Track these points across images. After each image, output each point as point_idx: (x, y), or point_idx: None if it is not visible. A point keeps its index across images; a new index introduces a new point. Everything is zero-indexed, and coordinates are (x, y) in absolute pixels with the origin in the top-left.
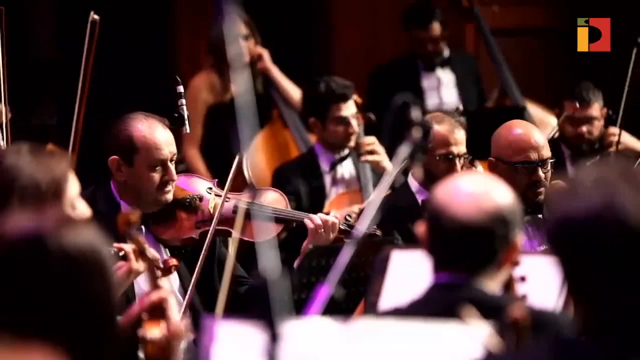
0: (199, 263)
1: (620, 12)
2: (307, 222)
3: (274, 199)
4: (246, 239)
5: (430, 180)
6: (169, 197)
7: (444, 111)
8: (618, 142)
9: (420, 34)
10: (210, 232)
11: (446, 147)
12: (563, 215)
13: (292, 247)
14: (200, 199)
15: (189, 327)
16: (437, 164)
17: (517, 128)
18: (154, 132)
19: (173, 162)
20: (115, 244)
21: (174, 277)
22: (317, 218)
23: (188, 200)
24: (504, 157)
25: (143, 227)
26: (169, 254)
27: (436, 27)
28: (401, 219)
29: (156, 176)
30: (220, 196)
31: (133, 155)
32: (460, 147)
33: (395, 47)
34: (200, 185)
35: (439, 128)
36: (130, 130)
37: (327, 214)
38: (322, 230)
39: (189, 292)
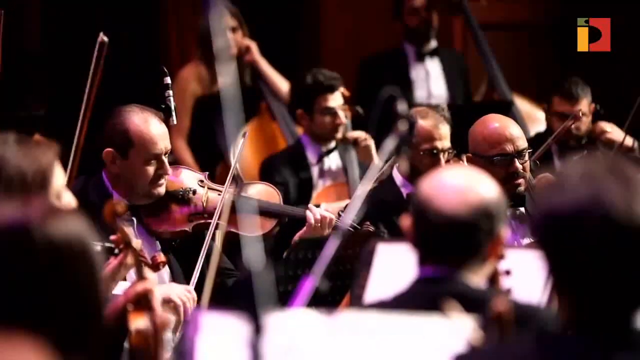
0: (200, 256)
1: (620, 12)
2: (308, 215)
3: (267, 194)
4: (241, 233)
5: (414, 174)
6: (162, 190)
7: (429, 106)
8: (622, 144)
9: (413, 1)
10: (212, 225)
11: (430, 142)
12: (550, 209)
13: (282, 241)
14: (194, 192)
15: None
16: (421, 159)
17: (491, 122)
18: (149, 126)
19: (167, 156)
20: (113, 237)
21: (165, 270)
22: (318, 213)
23: (181, 193)
24: (480, 151)
25: (135, 219)
26: (159, 247)
27: None
28: (386, 212)
29: (150, 170)
30: (212, 189)
31: (128, 149)
32: (444, 142)
33: (384, 40)
34: (192, 178)
35: (423, 123)
36: (126, 123)
37: (317, 206)
38: (320, 225)
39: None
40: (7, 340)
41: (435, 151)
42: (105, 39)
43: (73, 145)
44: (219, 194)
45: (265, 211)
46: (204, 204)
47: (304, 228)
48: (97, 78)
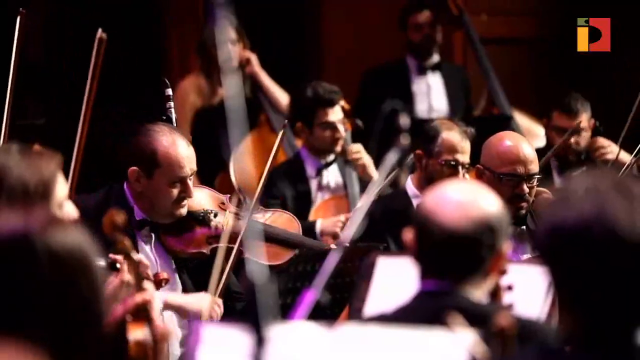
0: (226, 269)
1: (620, 12)
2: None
3: (287, 223)
4: (255, 259)
5: (430, 185)
6: (184, 211)
7: (451, 119)
8: (616, 158)
9: (417, 17)
10: (235, 250)
11: (452, 154)
12: (554, 224)
13: None
14: (215, 214)
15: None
16: (440, 170)
17: (507, 140)
18: (177, 148)
19: (192, 178)
20: (111, 255)
21: (178, 290)
22: None
23: (202, 214)
24: (491, 166)
25: (153, 235)
26: (174, 266)
27: (429, 14)
28: (397, 223)
29: (174, 192)
30: (233, 212)
31: (154, 169)
32: (465, 156)
33: (386, 51)
34: (213, 199)
35: (448, 134)
36: (154, 143)
37: (314, 221)
38: None
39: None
40: (5, 349)
41: (454, 163)
42: (104, 35)
43: (75, 147)
44: (240, 219)
45: (283, 241)
46: (223, 228)
47: None
48: (96, 75)
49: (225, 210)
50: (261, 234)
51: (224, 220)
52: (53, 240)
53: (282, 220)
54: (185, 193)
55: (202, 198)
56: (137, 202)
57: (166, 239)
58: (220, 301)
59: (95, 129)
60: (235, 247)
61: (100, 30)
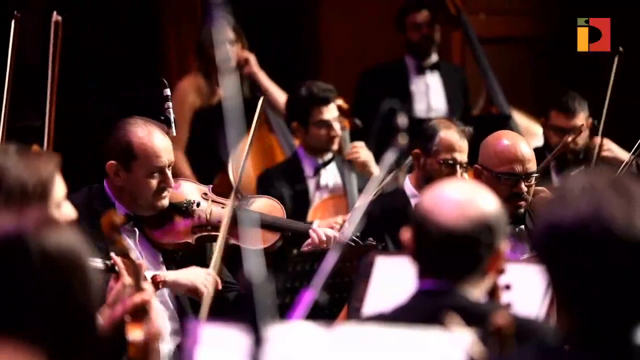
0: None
1: (620, 12)
2: (312, 235)
3: (271, 207)
4: (243, 245)
5: (428, 184)
6: (165, 202)
7: (449, 119)
8: (600, 149)
9: (415, 17)
10: (221, 238)
11: (450, 153)
12: (551, 222)
13: (283, 253)
14: (198, 204)
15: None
16: (438, 169)
17: (505, 139)
18: (153, 139)
19: (170, 168)
20: (113, 257)
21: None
22: (323, 233)
23: (185, 205)
24: (489, 165)
25: (137, 230)
26: (161, 259)
27: (427, 14)
28: (395, 223)
29: (154, 183)
30: (215, 202)
31: (131, 162)
32: (463, 155)
33: (385, 51)
34: (195, 190)
35: (446, 133)
36: (129, 136)
37: (311, 222)
38: (325, 245)
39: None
40: (3, 349)
41: (452, 162)
42: (59, 18)
43: (45, 134)
44: (223, 207)
45: (268, 225)
46: (208, 217)
47: (308, 247)
48: (57, 59)
49: (208, 199)
50: (250, 220)
51: (207, 209)
52: (47, 241)
53: (265, 205)
54: (165, 183)
55: (183, 189)
56: (118, 197)
57: (151, 232)
58: (213, 272)
59: (93, 130)
60: (221, 234)
61: (55, 12)
